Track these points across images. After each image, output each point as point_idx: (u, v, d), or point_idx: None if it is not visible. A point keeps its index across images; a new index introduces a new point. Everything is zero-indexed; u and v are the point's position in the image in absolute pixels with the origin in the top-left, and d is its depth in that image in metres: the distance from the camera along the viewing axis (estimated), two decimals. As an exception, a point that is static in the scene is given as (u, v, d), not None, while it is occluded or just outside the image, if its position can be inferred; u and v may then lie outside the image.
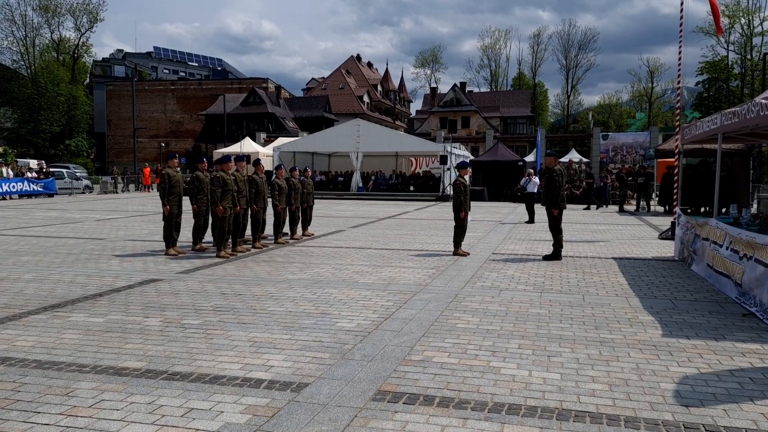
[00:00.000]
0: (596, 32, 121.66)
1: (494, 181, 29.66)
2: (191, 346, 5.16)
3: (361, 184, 30.99)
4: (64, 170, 35.94)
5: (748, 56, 56.78)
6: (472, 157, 35.20)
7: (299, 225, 12.92)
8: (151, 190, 37.63)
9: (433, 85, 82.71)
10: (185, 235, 11.40)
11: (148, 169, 38.99)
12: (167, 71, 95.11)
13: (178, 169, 10.83)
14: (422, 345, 5.21)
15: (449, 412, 3.82)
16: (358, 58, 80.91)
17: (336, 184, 32.16)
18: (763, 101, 6.27)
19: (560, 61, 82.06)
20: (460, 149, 34.26)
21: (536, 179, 18.68)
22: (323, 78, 77.66)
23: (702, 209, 18.39)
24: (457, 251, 10.55)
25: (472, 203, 11.18)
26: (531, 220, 17.10)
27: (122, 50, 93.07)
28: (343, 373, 4.50)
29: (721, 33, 12.64)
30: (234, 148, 33.48)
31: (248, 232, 11.34)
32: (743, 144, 13.96)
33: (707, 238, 8.45)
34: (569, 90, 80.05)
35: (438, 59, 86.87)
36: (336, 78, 72.23)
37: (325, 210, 21.03)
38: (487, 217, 19.07)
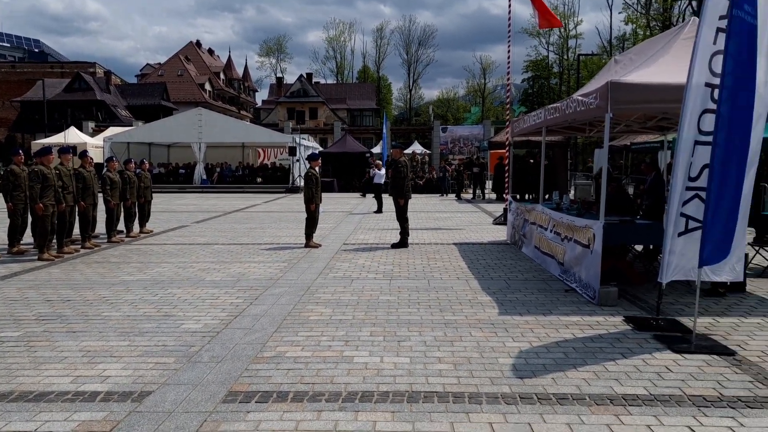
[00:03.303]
0: (434, 29, 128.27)
1: (343, 173, 30.03)
2: (10, 361, 4.57)
3: (204, 177, 29.61)
4: None
5: (565, 57, 63.34)
6: (321, 149, 35.26)
7: (136, 222, 12.02)
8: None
9: (279, 75, 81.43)
10: (-1, 236, 10.07)
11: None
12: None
13: (-12, 162, 9.52)
14: (275, 341, 5.11)
15: (303, 406, 3.79)
16: (198, 44, 76.88)
17: (177, 177, 30.37)
18: (579, 98, 7.00)
19: (402, 55, 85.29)
20: (308, 140, 34.16)
21: (383, 171, 19.21)
22: (159, 64, 72.79)
23: (527, 196, 20.20)
24: (309, 243, 10.51)
25: (323, 194, 11.20)
26: (379, 210, 17.57)
27: None
28: (189, 377, 4.26)
29: (560, 23, 13.90)
30: (57, 139, 30.18)
31: (76, 231, 10.30)
32: (563, 136, 15.54)
33: (534, 222, 9.29)
34: (411, 84, 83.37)
35: (283, 49, 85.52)
36: (174, 64, 67.99)
37: (165, 205, 19.80)
38: (338, 208, 19.25)
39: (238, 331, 5.39)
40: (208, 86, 67.92)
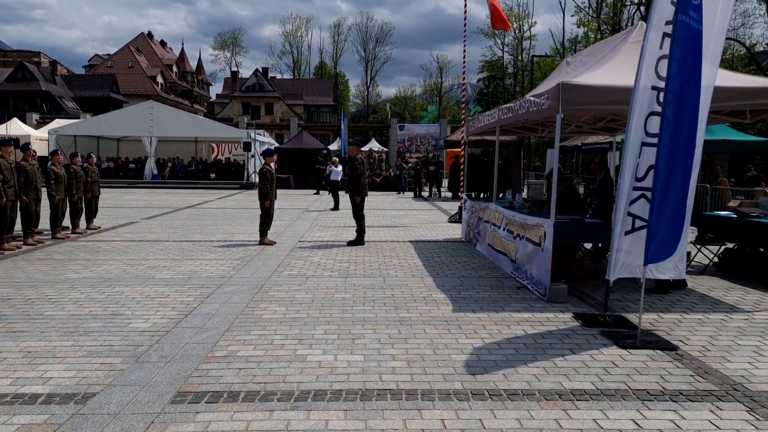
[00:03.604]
0: (392, 27, 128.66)
1: (300, 169, 29.74)
2: (-58, 365, 4.34)
3: (156, 172, 28.83)
4: None
5: (519, 58, 64.45)
6: (277, 144, 34.82)
7: (82, 217, 11.61)
8: None
9: (234, 69, 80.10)
10: (-67, 232, 9.54)
11: None
12: None
13: None
14: (226, 340, 5.02)
15: (255, 406, 3.73)
16: (150, 35, 74.73)
17: (127, 172, 29.47)
18: (532, 98, 7.12)
19: (359, 52, 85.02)
20: (264, 136, 33.67)
21: (339, 168, 19.14)
22: (109, 55, 70.43)
23: (482, 195, 20.48)
24: (263, 240, 10.37)
25: (278, 191, 11.07)
26: (336, 207, 17.50)
27: None
28: (137, 377, 4.14)
29: (509, 27, 14.09)
30: (-2, 130, 28.86)
31: (18, 227, 9.87)
32: (516, 136, 15.81)
33: (488, 220, 9.42)
34: (368, 81, 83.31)
35: (238, 42, 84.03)
36: (124, 55, 65.85)
37: (114, 200, 19.21)
38: (294, 204, 19.07)
39: (189, 330, 5.27)
40: (160, 79, 66.16)
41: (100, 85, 55.75)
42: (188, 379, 4.12)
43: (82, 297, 6.41)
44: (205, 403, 3.76)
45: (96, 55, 75.43)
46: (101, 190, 12.47)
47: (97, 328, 5.28)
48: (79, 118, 37.70)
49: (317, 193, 24.74)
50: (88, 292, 6.66)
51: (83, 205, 11.61)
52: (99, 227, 12.06)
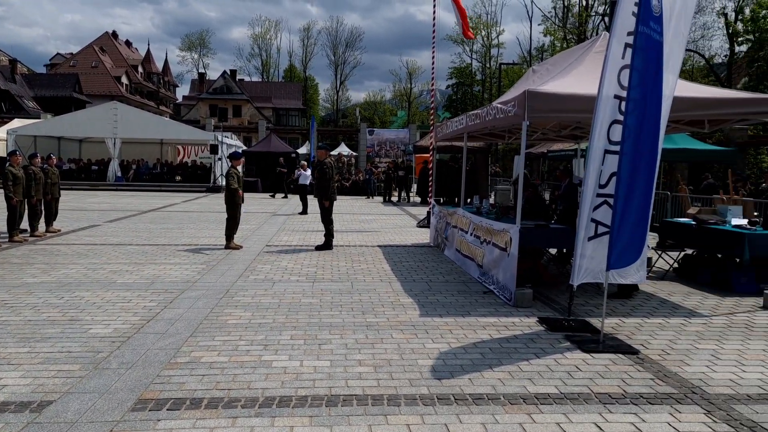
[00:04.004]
0: (362, 31, 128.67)
1: (268, 172, 29.46)
2: None
3: (119, 174, 28.24)
4: None
5: (488, 65, 65.24)
6: (245, 147, 34.48)
7: (41, 220, 11.28)
8: None
9: (202, 70, 79.09)
10: None
11: None
12: None
13: None
14: (190, 345, 4.93)
15: (218, 413, 3.67)
16: (115, 35, 73.29)
17: (89, 174, 28.79)
18: (499, 105, 7.20)
19: (329, 56, 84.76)
20: (231, 139, 33.29)
21: (308, 171, 19.03)
22: (71, 54, 68.77)
23: (456, 199, 20.62)
24: (230, 244, 10.23)
25: (246, 194, 10.94)
26: (304, 212, 17.40)
27: None
28: (96, 384, 4.03)
29: (471, 36, 14.33)
30: (-46, 129, 27.88)
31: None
32: (484, 142, 16.00)
33: (456, 225, 9.48)
34: (338, 85, 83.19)
35: (206, 44, 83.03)
36: (88, 55, 64.36)
37: (76, 203, 18.73)
38: (261, 208, 18.88)
39: (151, 335, 5.16)
40: (124, 79, 64.88)
41: (62, 85, 54.33)
42: (149, 386, 4.03)
43: (39, 302, 6.22)
44: (167, 410, 3.68)
45: (58, 54, 73.54)
46: (62, 192, 12.14)
47: (55, 334, 5.13)
48: (39, 118, 36.68)
49: (273, 196, 24.63)
50: (46, 297, 6.46)
51: (42, 208, 11.28)
52: (59, 230, 11.73)
